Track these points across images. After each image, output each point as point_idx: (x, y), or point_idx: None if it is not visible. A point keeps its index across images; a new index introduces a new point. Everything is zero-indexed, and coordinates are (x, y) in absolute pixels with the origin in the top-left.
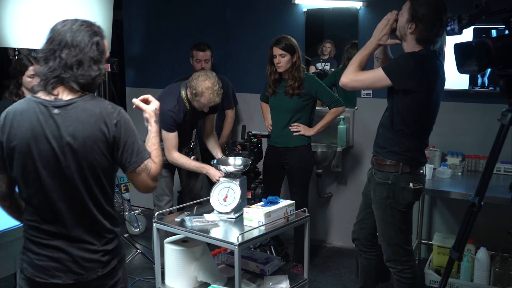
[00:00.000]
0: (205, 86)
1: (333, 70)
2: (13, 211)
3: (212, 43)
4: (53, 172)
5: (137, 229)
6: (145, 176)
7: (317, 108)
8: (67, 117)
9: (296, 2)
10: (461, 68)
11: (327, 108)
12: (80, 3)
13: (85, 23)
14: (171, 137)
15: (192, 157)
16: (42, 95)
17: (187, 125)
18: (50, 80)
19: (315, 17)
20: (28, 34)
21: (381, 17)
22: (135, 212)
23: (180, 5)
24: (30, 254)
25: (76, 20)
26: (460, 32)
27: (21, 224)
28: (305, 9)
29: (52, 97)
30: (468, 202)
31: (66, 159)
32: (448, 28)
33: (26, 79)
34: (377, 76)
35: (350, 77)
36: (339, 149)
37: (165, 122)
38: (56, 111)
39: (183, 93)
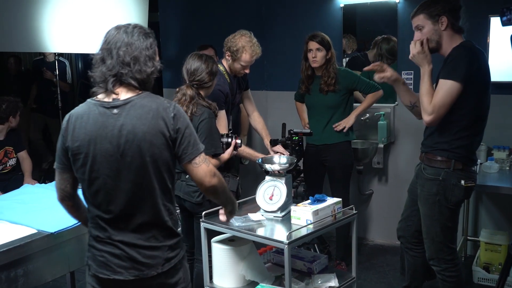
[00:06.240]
0: (244, 40)
1: None
2: (75, 211)
3: None
4: (114, 171)
5: (179, 228)
6: (205, 167)
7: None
8: (126, 115)
9: None
10: None
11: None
12: (116, 5)
13: (137, 26)
14: (222, 116)
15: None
16: (101, 97)
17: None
18: (109, 80)
19: (352, 12)
20: (66, 38)
21: None
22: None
23: (215, 4)
24: (94, 251)
25: (129, 24)
26: None
27: (74, 225)
28: (342, 5)
29: (111, 98)
30: None
31: (127, 157)
32: (504, 18)
33: None
34: (447, 89)
35: (428, 109)
36: (380, 145)
37: (216, 100)
38: (115, 111)
39: (220, 66)
